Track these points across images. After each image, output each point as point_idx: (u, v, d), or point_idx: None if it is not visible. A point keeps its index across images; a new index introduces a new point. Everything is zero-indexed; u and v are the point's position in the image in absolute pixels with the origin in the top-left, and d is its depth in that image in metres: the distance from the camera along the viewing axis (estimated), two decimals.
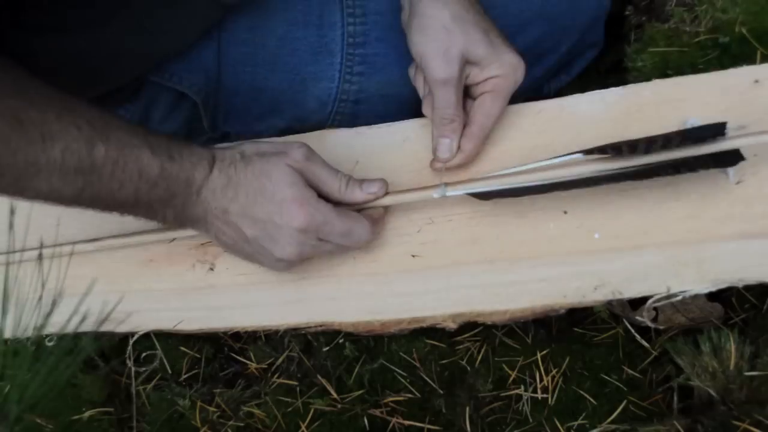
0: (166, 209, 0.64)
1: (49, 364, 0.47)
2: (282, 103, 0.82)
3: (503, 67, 0.65)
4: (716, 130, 0.58)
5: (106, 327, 0.77)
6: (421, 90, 0.70)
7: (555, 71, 0.88)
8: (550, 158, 0.62)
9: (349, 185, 0.65)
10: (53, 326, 0.51)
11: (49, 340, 0.67)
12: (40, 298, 0.50)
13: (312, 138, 0.78)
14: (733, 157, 0.58)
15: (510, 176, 0.64)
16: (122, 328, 0.77)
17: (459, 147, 0.67)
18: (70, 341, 0.54)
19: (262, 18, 0.79)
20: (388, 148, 0.74)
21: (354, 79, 0.80)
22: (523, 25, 0.78)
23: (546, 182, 0.62)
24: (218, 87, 0.81)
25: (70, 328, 0.60)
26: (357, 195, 0.66)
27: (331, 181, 0.65)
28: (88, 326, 0.74)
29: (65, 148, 0.55)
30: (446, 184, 0.66)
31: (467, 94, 0.68)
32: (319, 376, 0.75)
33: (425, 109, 0.69)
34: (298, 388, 0.75)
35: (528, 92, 0.86)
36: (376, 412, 0.72)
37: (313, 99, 0.81)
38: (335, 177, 0.65)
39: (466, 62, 0.65)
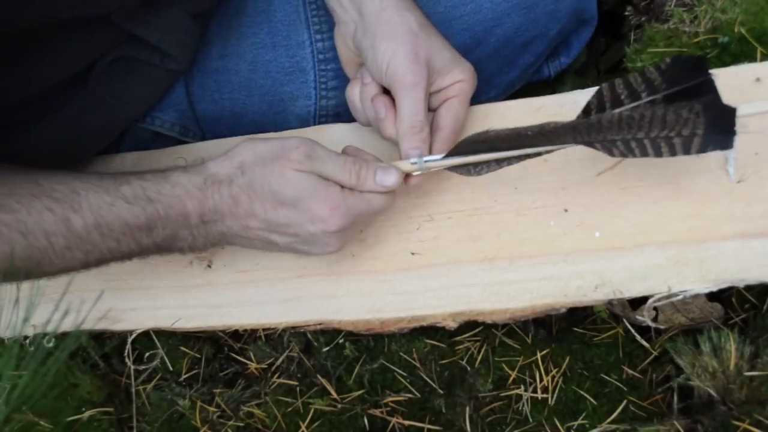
0: (178, 243, 0.64)
1: (35, 361, 0.46)
2: (264, 125, 0.82)
3: (465, 72, 0.65)
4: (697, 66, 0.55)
5: (104, 325, 0.77)
6: (381, 109, 0.66)
7: (552, 53, 0.88)
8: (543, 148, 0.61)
9: (360, 178, 0.62)
10: (51, 325, 0.51)
11: (48, 341, 0.67)
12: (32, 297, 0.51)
13: (310, 133, 0.78)
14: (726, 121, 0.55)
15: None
16: (120, 327, 0.77)
17: (431, 152, 0.65)
18: (60, 339, 0.55)
19: (232, 45, 0.80)
20: (385, 143, 0.74)
21: (330, 94, 0.80)
22: (500, 17, 0.78)
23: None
24: (195, 117, 0.83)
25: (67, 327, 0.61)
26: (370, 187, 0.63)
27: (340, 176, 0.62)
28: (87, 324, 0.75)
29: (47, 235, 0.58)
30: (422, 156, 0.64)
31: (429, 105, 0.67)
32: (319, 376, 0.75)
33: (388, 128, 0.65)
34: (298, 388, 0.75)
35: (525, 77, 0.87)
36: (376, 412, 0.72)
37: (294, 118, 0.82)
38: (343, 169, 0.62)
39: (431, 69, 0.64)
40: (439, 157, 0.64)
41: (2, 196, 0.58)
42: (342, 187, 0.62)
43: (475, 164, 0.64)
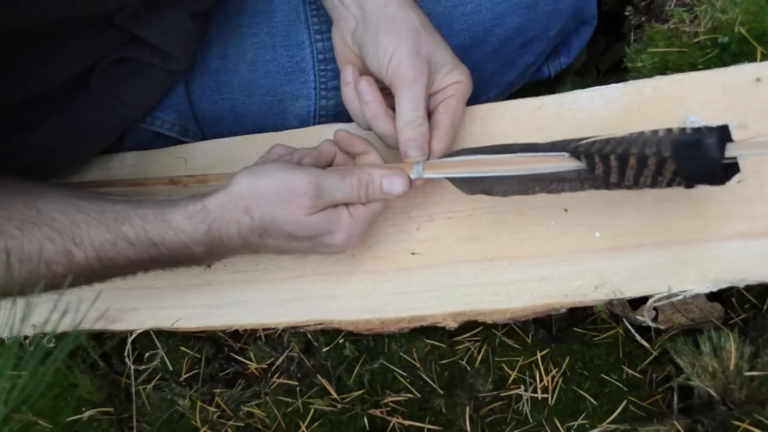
0: (184, 265, 0.65)
1: (34, 360, 0.46)
2: (264, 126, 0.82)
3: (464, 74, 0.65)
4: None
5: (102, 325, 0.77)
6: (366, 91, 0.65)
7: (552, 53, 0.88)
8: (534, 153, 0.60)
9: (369, 195, 0.63)
10: (50, 324, 0.51)
11: (48, 341, 0.67)
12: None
13: (309, 133, 0.78)
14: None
15: (489, 164, 0.62)
16: (120, 327, 0.77)
17: (429, 149, 0.64)
18: (59, 339, 0.55)
19: (232, 45, 0.80)
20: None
21: (330, 94, 0.80)
22: (499, 17, 0.78)
23: (522, 173, 0.60)
24: (195, 117, 0.83)
25: (66, 327, 0.61)
26: (378, 197, 0.64)
27: (350, 199, 0.62)
28: (86, 324, 0.75)
29: (47, 264, 0.59)
30: (423, 163, 0.64)
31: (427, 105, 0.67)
32: (319, 376, 0.75)
33: (385, 125, 0.65)
34: (298, 388, 0.75)
35: (525, 77, 0.87)
36: (376, 412, 0.72)
37: (294, 118, 0.82)
38: (352, 193, 0.62)
39: (432, 67, 0.64)
40: (441, 175, 0.64)
41: (1, 220, 0.58)
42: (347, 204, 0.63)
43: (475, 180, 0.63)
